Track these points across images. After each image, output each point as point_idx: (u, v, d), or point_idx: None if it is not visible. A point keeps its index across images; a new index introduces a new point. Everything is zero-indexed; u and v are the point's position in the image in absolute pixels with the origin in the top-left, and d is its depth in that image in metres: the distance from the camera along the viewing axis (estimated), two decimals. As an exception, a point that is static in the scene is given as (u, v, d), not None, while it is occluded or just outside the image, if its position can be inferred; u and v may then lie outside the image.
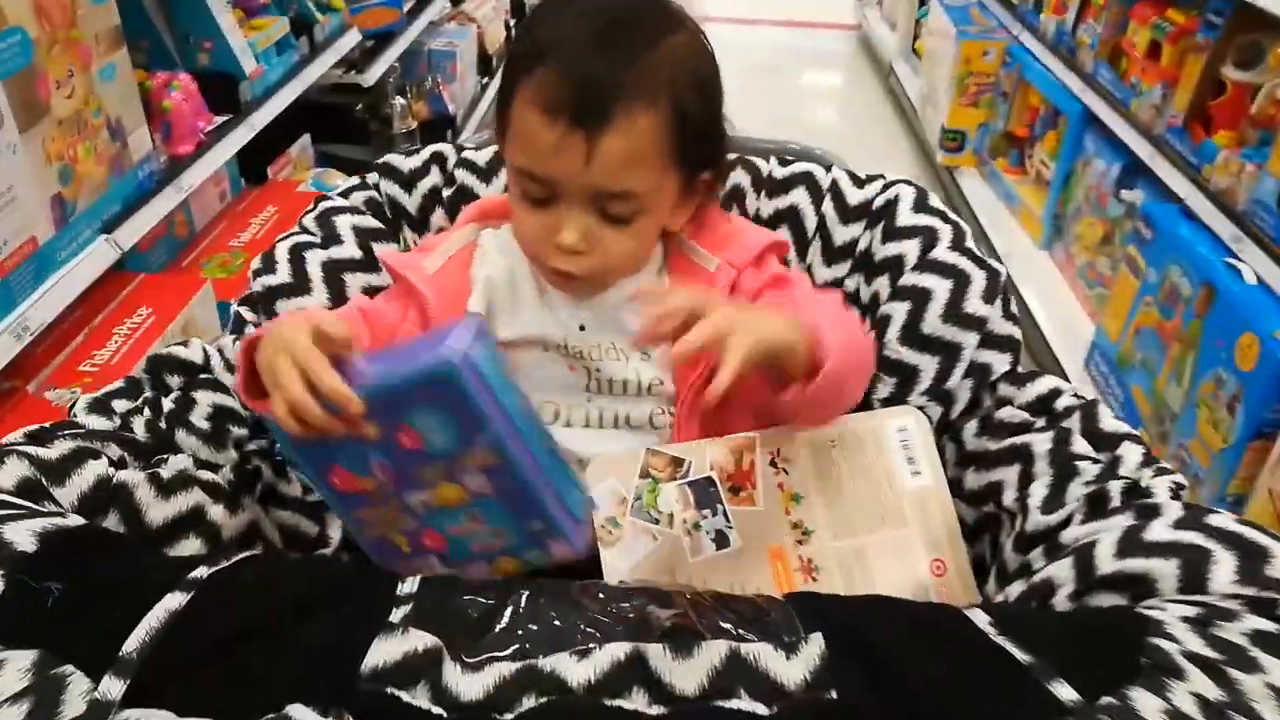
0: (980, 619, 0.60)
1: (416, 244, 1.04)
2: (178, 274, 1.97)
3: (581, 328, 0.88)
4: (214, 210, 2.25)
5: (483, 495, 0.65)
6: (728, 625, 0.53)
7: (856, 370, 0.83)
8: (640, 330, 0.73)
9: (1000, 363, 0.93)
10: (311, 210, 1.00)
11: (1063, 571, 0.70)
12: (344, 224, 0.98)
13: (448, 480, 0.64)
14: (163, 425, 0.81)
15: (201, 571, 0.59)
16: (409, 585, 0.60)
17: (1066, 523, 0.77)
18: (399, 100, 2.85)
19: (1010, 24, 3.27)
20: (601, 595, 0.60)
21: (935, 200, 1.00)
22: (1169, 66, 2.12)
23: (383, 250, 0.94)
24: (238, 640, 0.54)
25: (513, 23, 4.18)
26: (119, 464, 0.75)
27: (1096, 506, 0.76)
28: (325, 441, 0.62)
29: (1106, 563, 0.68)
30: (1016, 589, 0.74)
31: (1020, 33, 3.12)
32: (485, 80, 3.74)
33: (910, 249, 0.96)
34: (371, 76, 2.65)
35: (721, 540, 0.84)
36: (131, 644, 0.51)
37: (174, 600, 0.56)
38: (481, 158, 1.04)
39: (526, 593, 0.58)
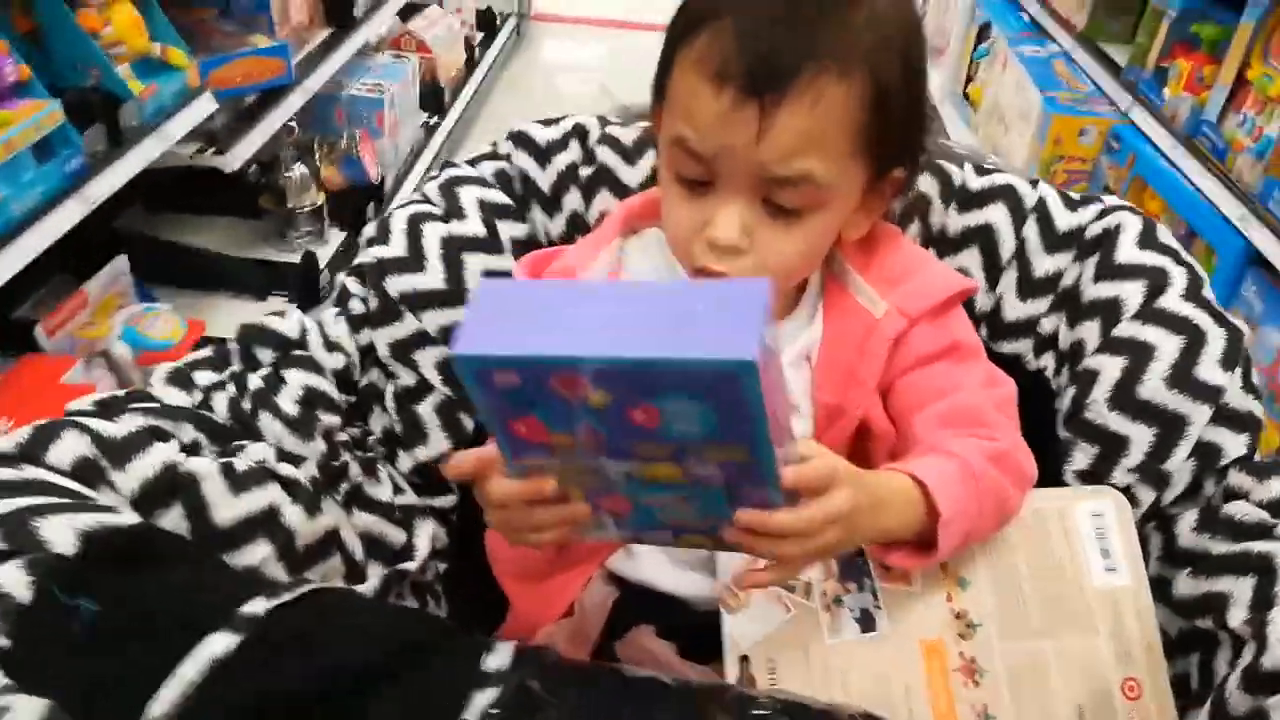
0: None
1: (547, 230, 0.92)
2: None
3: None
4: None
5: (707, 483, 0.53)
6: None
7: (978, 536, 0.71)
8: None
9: (1235, 445, 0.75)
10: (435, 177, 0.90)
11: (1322, 741, 0.55)
12: (469, 196, 0.87)
13: (671, 461, 0.52)
14: (247, 406, 0.72)
15: (259, 606, 0.49)
16: (499, 657, 0.48)
17: (1322, 669, 0.60)
18: (299, 169, 2.04)
19: (1115, 93, 2.30)
20: (734, 705, 0.48)
21: (1166, 235, 0.83)
22: None
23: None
24: (285, 710, 0.44)
25: (479, 41, 3.33)
26: (192, 449, 0.66)
27: (1366, 655, 0.59)
28: (524, 391, 0.49)
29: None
30: (1251, 749, 0.58)
31: (1131, 108, 2.21)
32: (434, 119, 2.79)
33: (1132, 292, 0.79)
34: (238, 156, 1.76)
35: (867, 622, 0.71)
36: (158, 708, 0.42)
37: (219, 644, 0.46)
38: (628, 135, 0.91)
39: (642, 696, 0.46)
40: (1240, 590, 0.68)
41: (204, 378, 0.72)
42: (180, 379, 0.71)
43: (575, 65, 4.12)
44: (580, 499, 0.58)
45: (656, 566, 0.76)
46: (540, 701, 0.45)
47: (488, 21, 3.58)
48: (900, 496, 0.64)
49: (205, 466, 0.63)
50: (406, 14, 2.86)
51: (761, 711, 0.48)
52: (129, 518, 0.56)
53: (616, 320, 0.48)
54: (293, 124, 2.08)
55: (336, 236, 2.14)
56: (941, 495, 0.64)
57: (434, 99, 2.83)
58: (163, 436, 0.64)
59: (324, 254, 2.06)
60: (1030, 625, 0.71)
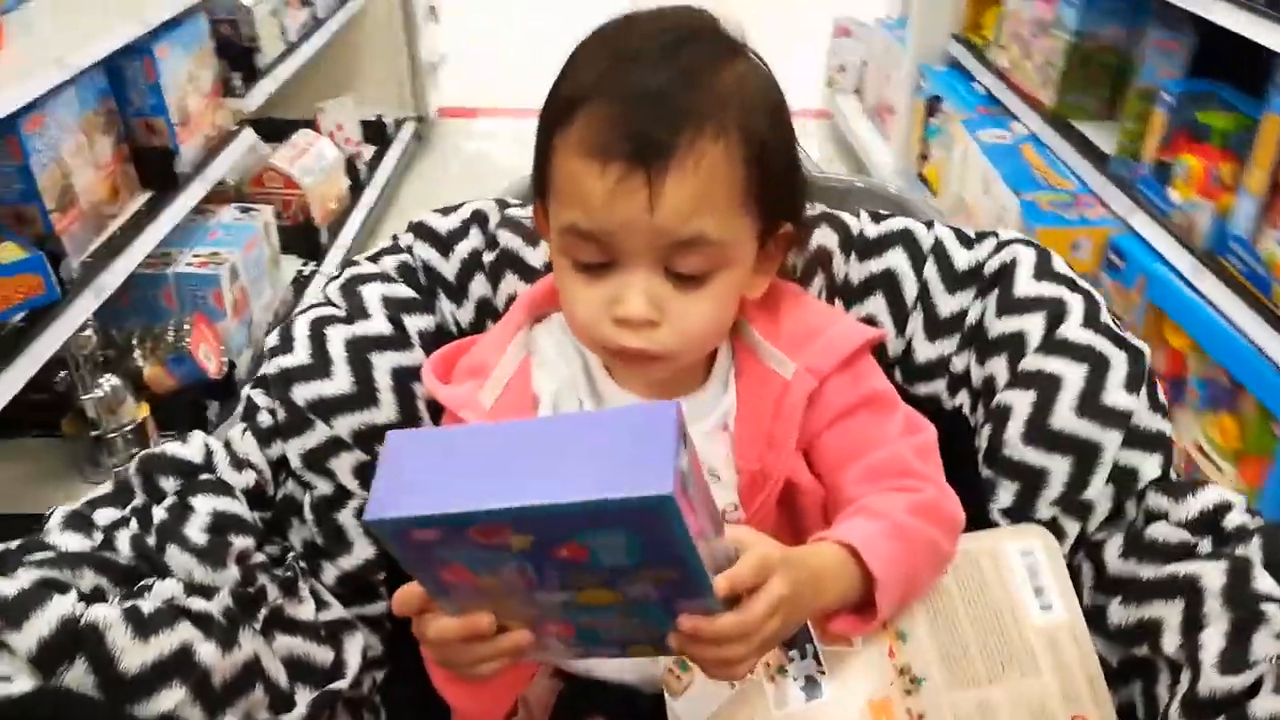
0: None
1: (455, 319, 0.91)
2: None
3: None
4: None
5: (645, 599, 0.53)
6: None
7: (917, 590, 0.72)
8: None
9: (1150, 466, 0.76)
10: (336, 277, 0.88)
11: (1265, 766, 0.55)
12: (372, 295, 0.86)
13: (605, 587, 0.52)
14: (152, 541, 0.69)
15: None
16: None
17: (1255, 689, 0.61)
18: (107, 383, 1.67)
19: (1107, 193, 1.81)
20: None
21: (1060, 264, 0.84)
22: None
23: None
24: None
25: (368, 158, 2.88)
26: (93, 596, 0.63)
27: (1296, 670, 0.59)
28: (445, 543, 0.49)
29: (1329, 763, 0.53)
30: (1198, 779, 0.58)
31: (1130, 214, 1.72)
32: (309, 267, 2.34)
33: (1033, 325, 0.80)
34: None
35: (812, 689, 0.70)
36: None
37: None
38: (528, 216, 0.91)
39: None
40: (1170, 615, 0.69)
41: (105, 516, 0.69)
42: (78, 522, 0.68)
43: (492, 162, 3.38)
44: (520, 627, 0.57)
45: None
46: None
47: (377, 133, 3.09)
48: (833, 565, 0.64)
49: (107, 614, 0.60)
50: (275, 138, 2.41)
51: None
52: (22, 684, 0.53)
53: (528, 463, 0.47)
54: (88, 332, 1.63)
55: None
56: (872, 556, 0.64)
57: (308, 241, 2.40)
58: (60, 588, 0.61)
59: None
60: (975, 673, 0.71)
